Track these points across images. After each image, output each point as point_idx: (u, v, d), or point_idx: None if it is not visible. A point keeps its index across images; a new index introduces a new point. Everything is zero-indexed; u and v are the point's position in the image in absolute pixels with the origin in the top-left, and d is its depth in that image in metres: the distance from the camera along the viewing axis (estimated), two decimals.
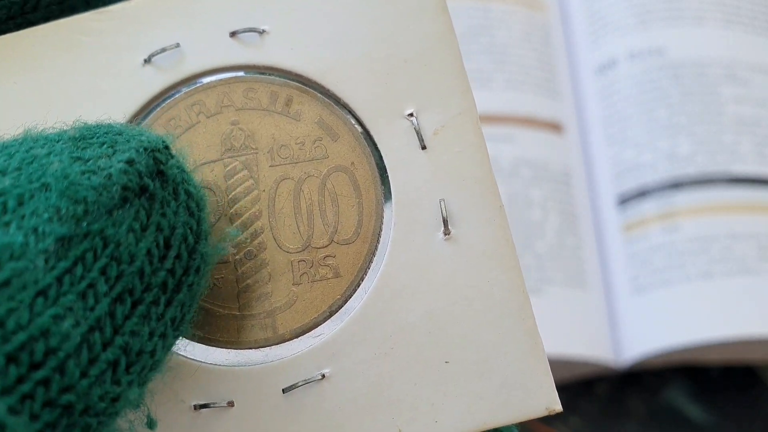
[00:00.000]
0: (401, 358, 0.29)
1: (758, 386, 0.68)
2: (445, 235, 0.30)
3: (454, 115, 0.31)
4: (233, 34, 0.32)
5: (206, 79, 0.32)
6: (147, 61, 0.32)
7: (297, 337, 0.30)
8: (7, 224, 0.23)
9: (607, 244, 0.68)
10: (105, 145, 0.25)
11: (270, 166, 0.31)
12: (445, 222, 0.30)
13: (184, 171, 0.27)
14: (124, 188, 0.25)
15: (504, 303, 0.30)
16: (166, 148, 0.26)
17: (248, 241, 0.30)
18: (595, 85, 0.72)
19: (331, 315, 0.30)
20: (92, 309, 0.23)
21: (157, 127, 0.31)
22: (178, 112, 0.31)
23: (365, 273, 0.30)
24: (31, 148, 0.25)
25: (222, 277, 0.30)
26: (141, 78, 0.32)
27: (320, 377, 0.29)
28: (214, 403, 0.29)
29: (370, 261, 0.30)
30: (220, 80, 0.32)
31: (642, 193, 0.68)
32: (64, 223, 0.23)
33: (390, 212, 0.31)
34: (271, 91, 0.32)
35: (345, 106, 0.31)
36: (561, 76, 0.73)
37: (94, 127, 0.27)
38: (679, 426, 0.67)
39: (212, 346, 0.30)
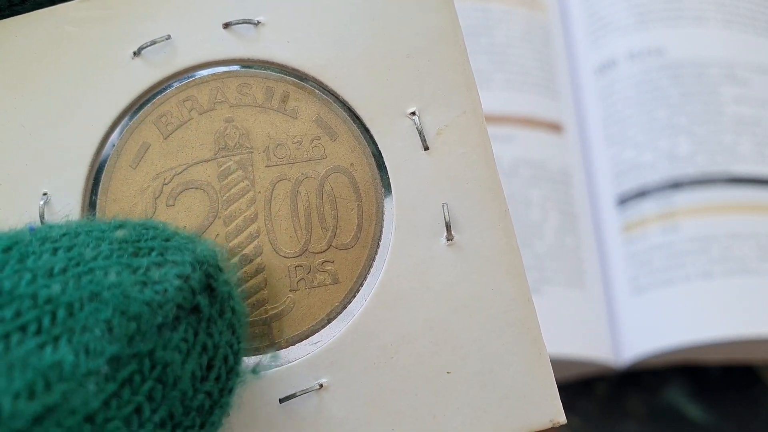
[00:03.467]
0: (402, 367, 0.28)
1: (758, 386, 0.67)
2: (448, 240, 0.28)
3: (458, 115, 0.29)
4: (227, 25, 0.30)
5: (199, 74, 0.30)
6: (136, 53, 0.30)
7: (294, 345, 0.28)
8: (57, 339, 0.21)
9: (607, 244, 0.67)
10: (154, 252, 0.24)
11: (266, 167, 0.29)
12: (448, 227, 0.28)
13: (232, 287, 0.25)
14: (179, 307, 0.23)
15: (508, 312, 0.28)
16: (218, 263, 0.25)
17: (244, 244, 0.29)
18: (594, 85, 0.71)
19: (329, 322, 0.28)
20: None
21: (148, 124, 0.29)
22: (170, 108, 0.29)
23: (365, 279, 0.29)
24: (73, 246, 0.23)
25: None
26: (130, 72, 0.30)
27: (318, 387, 0.28)
28: None
29: (370, 267, 0.29)
30: (214, 75, 0.30)
31: (642, 193, 0.66)
32: (116, 341, 0.21)
33: (391, 216, 0.29)
34: (266, 87, 0.29)
35: (344, 104, 0.30)
36: (561, 76, 0.71)
37: (140, 227, 0.25)
38: (678, 426, 0.66)
39: None
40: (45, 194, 0.28)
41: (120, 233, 0.24)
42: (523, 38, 0.71)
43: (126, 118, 0.29)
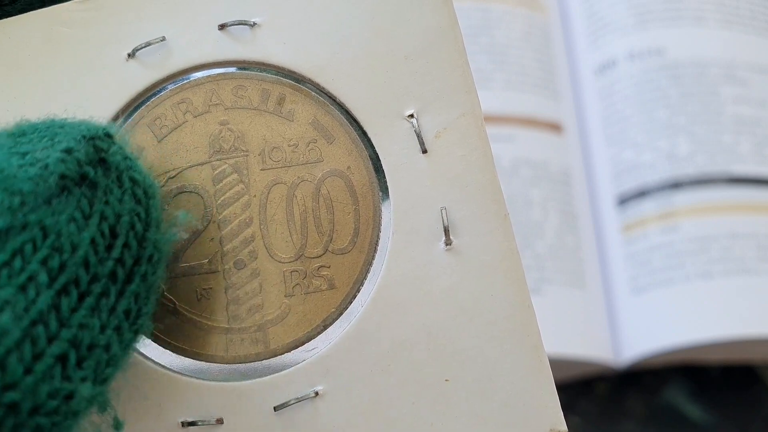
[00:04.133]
0: (399, 375, 0.27)
1: (758, 386, 0.67)
2: (447, 245, 0.28)
3: (457, 117, 0.28)
4: (222, 26, 0.29)
5: (194, 76, 0.29)
6: (131, 55, 0.29)
7: (289, 351, 0.28)
8: None
9: (607, 244, 0.66)
10: (45, 139, 0.24)
11: (261, 170, 0.28)
12: (447, 231, 0.28)
13: (129, 158, 0.25)
14: (62, 177, 0.23)
15: (508, 318, 0.27)
16: (108, 135, 0.25)
17: (238, 249, 0.28)
18: (594, 85, 0.71)
19: (325, 329, 0.28)
20: (34, 302, 0.21)
21: (142, 127, 0.29)
22: (164, 111, 0.29)
23: (361, 285, 0.28)
24: None
25: (210, 288, 0.28)
26: (125, 74, 0.29)
27: (313, 395, 0.27)
28: (202, 421, 0.27)
29: (367, 272, 0.28)
30: (208, 77, 0.29)
31: (641, 193, 0.66)
32: (0, 215, 0.21)
33: (388, 220, 0.28)
34: (262, 89, 0.29)
35: (341, 106, 0.29)
36: (561, 76, 0.71)
37: (35, 123, 0.25)
38: (678, 425, 0.66)
39: (200, 360, 0.28)
40: None
41: (11, 128, 0.25)
42: (523, 38, 0.71)
43: (120, 121, 0.29)
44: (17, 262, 0.21)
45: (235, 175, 0.28)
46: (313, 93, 0.29)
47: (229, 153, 0.28)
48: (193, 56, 0.29)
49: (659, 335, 0.62)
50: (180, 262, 0.28)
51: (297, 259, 0.28)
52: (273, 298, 0.28)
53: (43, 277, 0.22)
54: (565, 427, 0.27)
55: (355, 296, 0.28)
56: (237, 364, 0.28)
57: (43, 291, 0.22)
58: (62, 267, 0.22)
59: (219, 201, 0.28)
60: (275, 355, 0.28)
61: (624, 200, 0.66)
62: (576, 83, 0.71)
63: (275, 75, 0.29)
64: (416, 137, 0.28)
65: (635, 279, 0.64)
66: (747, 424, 0.65)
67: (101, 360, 0.23)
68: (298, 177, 0.28)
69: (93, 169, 0.24)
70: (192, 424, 0.27)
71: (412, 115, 0.28)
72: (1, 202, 0.22)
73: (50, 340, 0.22)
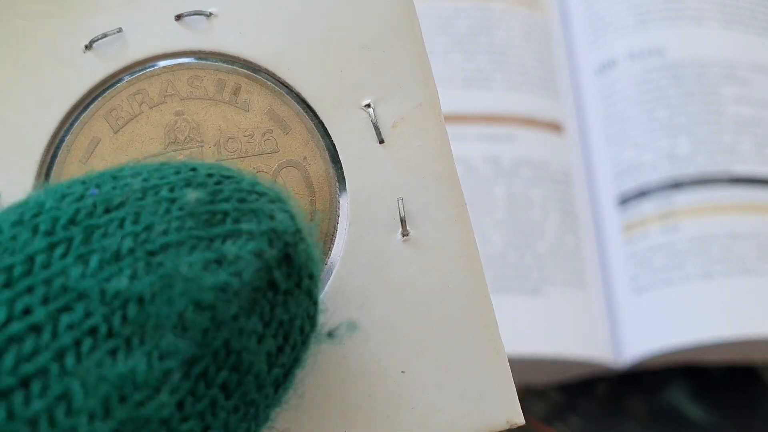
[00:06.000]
0: (354, 367, 0.26)
1: (759, 386, 0.66)
2: (404, 236, 0.27)
3: (414, 107, 0.28)
4: (179, 17, 0.29)
5: (150, 67, 0.28)
6: (88, 47, 0.28)
7: None
8: (128, 341, 0.18)
9: (607, 244, 0.66)
10: (229, 219, 0.20)
11: (217, 161, 0.28)
12: (403, 222, 0.27)
13: (311, 251, 0.22)
14: (255, 289, 0.20)
15: (464, 308, 0.27)
16: (298, 231, 0.22)
17: None
18: (595, 85, 0.70)
19: None
20: (208, 428, 0.20)
21: (98, 118, 0.28)
22: (120, 102, 0.28)
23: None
24: (140, 214, 0.20)
25: None
26: (82, 66, 0.28)
27: None
28: None
29: (324, 263, 0.27)
30: (165, 67, 0.28)
31: (642, 193, 0.65)
32: (190, 338, 0.19)
33: (345, 211, 0.28)
34: (218, 79, 0.28)
35: (297, 96, 0.28)
36: (561, 76, 0.70)
37: (213, 181, 0.21)
38: (679, 426, 0.65)
39: None
40: None
41: (192, 196, 0.20)
42: (523, 38, 0.70)
43: (77, 113, 0.28)
44: (200, 389, 0.19)
45: None
46: (269, 83, 0.28)
47: (185, 144, 0.28)
48: (149, 47, 0.28)
49: (660, 335, 0.62)
50: None
51: None
52: None
53: (221, 401, 0.20)
54: (522, 420, 0.26)
55: None
56: None
57: (219, 414, 0.20)
58: (238, 386, 0.20)
59: None
60: None
61: (624, 200, 0.66)
62: (576, 83, 0.71)
63: (231, 65, 0.28)
64: (373, 127, 0.28)
65: (636, 279, 0.64)
66: (748, 424, 0.65)
67: None
68: (254, 168, 0.28)
69: (279, 272, 0.21)
70: None
71: (369, 105, 0.28)
72: (192, 320, 0.19)
73: None
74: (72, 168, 0.28)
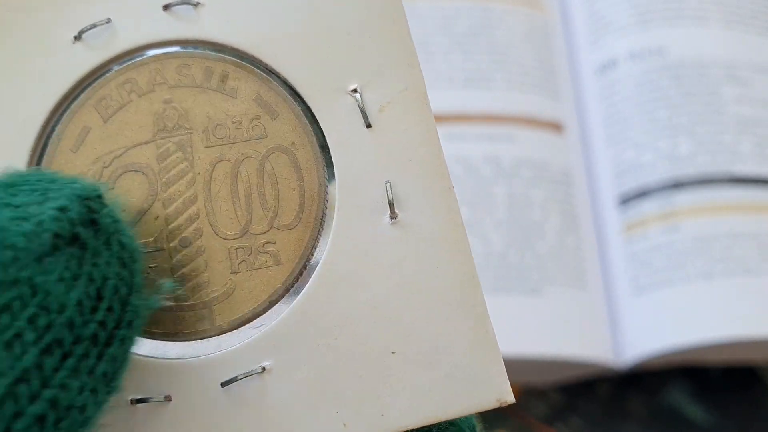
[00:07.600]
0: (346, 349, 0.27)
1: (759, 386, 0.67)
2: (392, 219, 0.27)
3: (400, 91, 0.28)
4: (166, 7, 0.29)
5: (139, 56, 0.29)
6: (77, 38, 0.29)
7: (236, 328, 0.28)
8: None
9: (608, 245, 0.66)
10: (36, 192, 0.24)
11: (205, 147, 0.28)
12: (391, 205, 0.27)
13: (118, 221, 0.25)
14: (56, 235, 0.23)
15: (453, 289, 0.27)
16: (99, 197, 0.25)
17: (183, 227, 0.28)
18: (595, 85, 0.70)
19: (271, 305, 0.28)
20: (18, 359, 0.21)
21: (88, 108, 0.28)
22: (110, 91, 0.29)
23: (308, 260, 0.28)
24: None
25: (156, 266, 0.28)
26: (71, 56, 0.29)
27: (261, 370, 0.27)
28: (150, 398, 0.27)
29: (313, 247, 0.28)
30: (153, 56, 0.29)
31: (642, 193, 0.66)
32: None
33: (333, 195, 0.28)
34: (205, 67, 0.29)
35: (284, 82, 0.29)
36: (561, 76, 0.71)
37: (25, 173, 0.25)
38: (679, 426, 0.65)
39: (147, 338, 0.27)
40: None
41: (2, 178, 0.24)
42: (524, 38, 0.70)
43: (67, 103, 0.29)
44: (5, 318, 0.21)
45: (179, 153, 0.28)
46: (257, 70, 0.28)
47: (173, 131, 0.28)
48: (138, 37, 0.29)
49: (660, 336, 0.62)
50: None
51: (242, 236, 0.28)
52: (219, 276, 0.27)
53: (29, 335, 0.21)
54: (512, 398, 0.27)
55: (301, 272, 0.28)
56: (184, 342, 0.27)
57: (29, 349, 0.21)
58: (48, 326, 0.22)
59: (164, 179, 0.28)
60: (222, 332, 0.27)
61: (625, 200, 0.66)
62: (577, 83, 0.71)
63: (218, 53, 0.29)
64: (360, 112, 0.28)
65: (636, 279, 0.64)
66: (748, 424, 0.65)
67: (76, 421, 0.23)
68: (242, 154, 0.28)
69: (85, 230, 0.23)
70: (141, 401, 0.27)
71: (355, 90, 0.28)
72: None
73: (32, 399, 0.21)
74: (63, 157, 0.28)
